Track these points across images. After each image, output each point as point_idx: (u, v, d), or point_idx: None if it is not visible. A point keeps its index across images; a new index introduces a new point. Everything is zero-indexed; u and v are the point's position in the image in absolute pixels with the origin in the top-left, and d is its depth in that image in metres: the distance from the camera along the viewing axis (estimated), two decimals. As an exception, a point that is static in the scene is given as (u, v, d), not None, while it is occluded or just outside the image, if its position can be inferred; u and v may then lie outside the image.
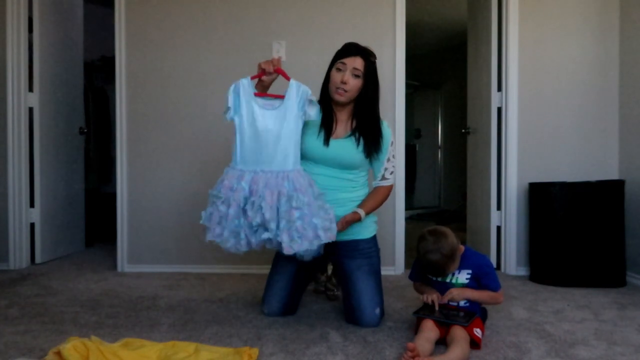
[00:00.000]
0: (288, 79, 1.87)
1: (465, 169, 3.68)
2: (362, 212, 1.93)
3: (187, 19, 2.96)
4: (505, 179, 2.93)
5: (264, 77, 1.88)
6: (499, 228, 3.02)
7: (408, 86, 4.26)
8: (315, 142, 1.93)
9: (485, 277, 1.77)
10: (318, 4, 2.92)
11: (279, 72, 1.88)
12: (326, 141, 1.93)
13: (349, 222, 1.90)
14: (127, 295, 2.38)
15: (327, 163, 1.95)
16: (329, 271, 2.29)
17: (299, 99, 1.85)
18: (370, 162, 2.02)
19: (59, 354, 1.45)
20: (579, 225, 2.58)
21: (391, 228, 2.91)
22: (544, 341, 1.74)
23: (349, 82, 1.89)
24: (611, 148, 2.89)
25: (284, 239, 1.72)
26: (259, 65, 1.87)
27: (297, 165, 1.83)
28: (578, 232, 2.58)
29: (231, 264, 2.90)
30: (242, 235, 1.78)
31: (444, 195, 6.56)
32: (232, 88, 1.87)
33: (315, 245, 1.74)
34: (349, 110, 2.00)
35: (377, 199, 2.01)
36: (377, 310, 1.91)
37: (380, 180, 2.03)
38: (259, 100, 1.87)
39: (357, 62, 1.89)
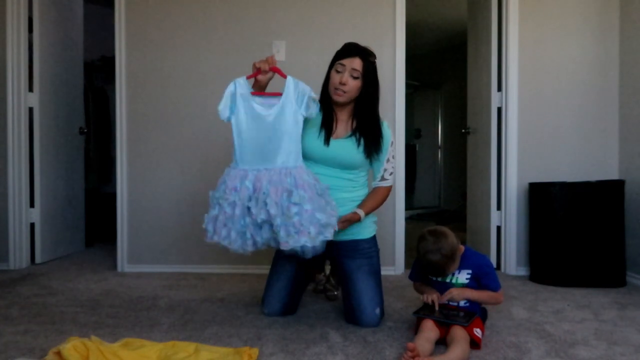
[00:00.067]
0: (284, 76, 1.87)
1: (465, 169, 3.68)
2: (361, 213, 1.93)
3: (187, 19, 2.96)
4: (505, 179, 2.93)
5: (260, 77, 1.87)
6: (499, 228, 3.02)
7: (408, 86, 4.27)
8: (315, 141, 1.93)
9: (485, 277, 1.77)
10: (318, 4, 2.93)
11: (274, 70, 1.87)
12: (326, 141, 1.93)
13: (348, 221, 1.89)
14: (127, 295, 2.38)
15: (327, 163, 1.95)
16: (327, 271, 2.29)
17: (297, 96, 1.84)
18: (370, 163, 2.01)
19: (59, 354, 1.45)
20: (579, 225, 2.58)
21: (391, 228, 2.91)
22: (544, 341, 1.74)
23: (348, 83, 1.90)
24: (611, 148, 2.89)
25: (282, 234, 1.71)
26: (254, 64, 1.87)
27: (299, 162, 1.83)
28: (578, 232, 2.58)
29: (231, 264, 2.90)
30: (248, 235, 1.78)
31: (444, 195, 6.56)
32: (228, 89, 1.86)
33: (318, 241, 1.73)
34: (349, 110, 2.00)
35: (376, 199, 2.01)
36: (377, 310, 1.91)
37: (379, 180, 2.03)
38: (257, 99, 1.86)
39: (356, 63, 1.89)
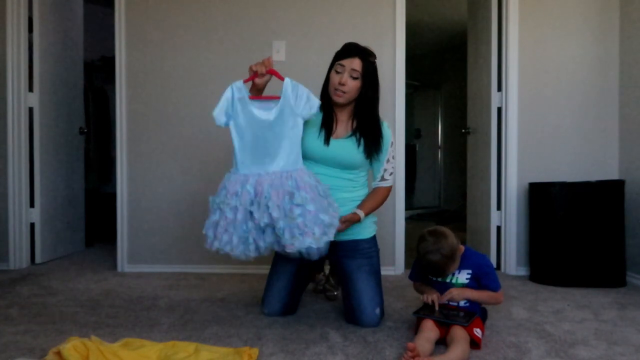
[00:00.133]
0: (282, 79, 1.85)
1: (465, 169, 3.68)
2: (361, 214, 1.93)
3: (187, 19, 2.96)
4: (505, 179, 2.93)
5: (257, 80, 1.86)
6: (499, 228, 3.02)
7: (408, 86, 4.26)
8: (315, 141, 1.93)
9: (485, 277, 1.77)
10: (318, 4, 2.93)
11: (272, 72, 1.86)
12: (326, 141, 1.93)
13: (348, 221, 1.89)
14: (127, 295, 2.38)
15: (327, 163, 1.95)
16: (326, 271, 2.29)
17: (295, 97, 1.83)
18: (370, 163, 2.01)
19: (59, 354, 1.45)
20: (579, 225, 2.58)
21: (391, 228, 2.91)
22: (544, 341, 1.74)
23: (347, 83, 1.89)
24: (611, 148, 2.89)
25: (286, 236, 1.70)
26: (251, 67, 1.85)
27: (299, 164, 1.82)
28: (578, 232, 2.58)
29: (231, 264, 2.90)
30: (251, 240, 1.76)
31: (444, 195, 6.56)
32: (225, 94, 1.84)
33: (322, 242, 1.72)
34: (349, 110, 2.00)
35: (376, 199, 2.01)
36: (377, 310, 1.91)
37: (379, 181, 2.03)
38: (255, 103, 1.84)
39: (355, 64, 1.89)
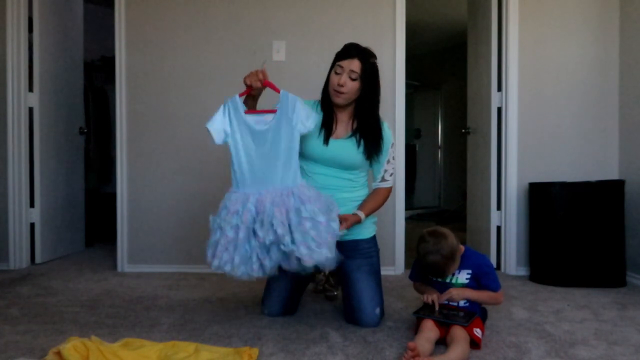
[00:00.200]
0: (278, 91, 1.82)
1: (465, 169, 3.68)
2: (362, 214, 1.92)
3: (187, 19, 2.96)
4: (505, 179, 2.93)
5: (252, 92, 1.84)
6: (499, 228, 3.02)
7: (408, 86, 4.26)
8: (315, 141, 1.93)
9: (485, 277, 1.77)
10: (318, 4, 2.93)
11: (267, 85, 1.82)
12: (325, 141, 1.93)
13: (348, 221, 1.89)
14: (127, 295, 2.38)
15: (327, 163, 1.95)
16: (326, 271, 2.29)
17: (291, 111, 1.79)
18: (370, 164, 2.01)
19: (59, 354, 1.45)
20: (579, 225, 2.58)
21: (391, 228, 2.91)
22: (544, 341, 1.74)
23: (346, 84, 1.89)
24: (611, 148, 2.89)
25: (303, 251, 1.66)
26: (245, 81, 1.82)
27: (299, 179, 1.80)
28: (578, 232, 2.58)
29: (231, 264, 2.90)
30: (255, 259, 1.73)
31: (444, 195, 6.56)
32: (219, 110, 1.82)
33: (334, 250, 1.70)
34: (349, 111, 2.00)
35: (377, 200, 2.01)
36: (377, 310, 1.91)
37: (380, 181, 2.03)
38: (251, 117, 1.81)
39: (354, 65, 1.88)
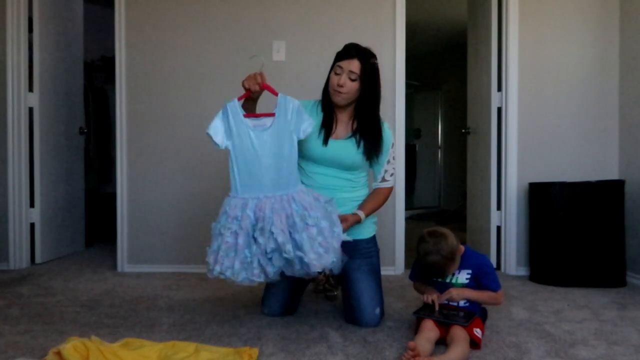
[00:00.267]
0: (276, 94, 1.82)
1: (465, 169, 3.68)
2: (362, 215, 1.92)
3: (187, 19, 2.96)
4: (505, 179, 2.93)
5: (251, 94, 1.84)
6: (499, 228, 3.02)
7: (408, 86, 4.25)
8: (315, 141, 1.93)
9: (485, 277, 1.77)
10: (318, 4, 2.93)
11: (265, 88, 1.82)
12: (325, 141, 1.93)
13: (348, 220, 1.89)
14: (127, 295, 2.38)
15: (326, 163, 1.95)
16: (326, 270, 2.29)
17: (290, 115, 1.79)
18: (370, 164, 2.01)
19: (59, 354, 1.45)
20: (579, 225, 2.58)
21: (391, 228, 2.91)
22: (544, 341, 1.74)
23: (345, 85, 1.89)
24: (611, 148, 2.89)
25: (312, 257, 1.66)
26: (243, 85, 1.81)
27: (298, 184, 1.80)
28: (578, 232, 2.58)
29: (231, 264, 2.90)
30: (255, 265, 1.72)
31: (444, 195, 6.56)
32: (219, 114, 1.82)
33: (339, 254, 1.71)
34: (350, 111, 2.00)
35: (377, 200, 2.01)
36: (377, 310, 1.91)
37: (380, 182, 2.03)
38: (249, 121, 1.81)
39: (354, 65, 1.88)
